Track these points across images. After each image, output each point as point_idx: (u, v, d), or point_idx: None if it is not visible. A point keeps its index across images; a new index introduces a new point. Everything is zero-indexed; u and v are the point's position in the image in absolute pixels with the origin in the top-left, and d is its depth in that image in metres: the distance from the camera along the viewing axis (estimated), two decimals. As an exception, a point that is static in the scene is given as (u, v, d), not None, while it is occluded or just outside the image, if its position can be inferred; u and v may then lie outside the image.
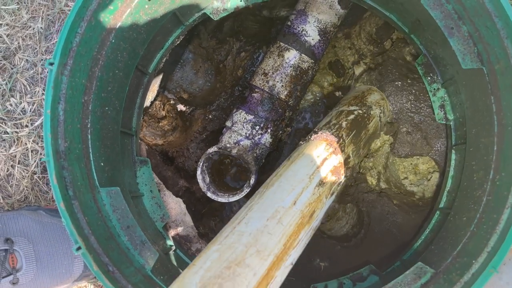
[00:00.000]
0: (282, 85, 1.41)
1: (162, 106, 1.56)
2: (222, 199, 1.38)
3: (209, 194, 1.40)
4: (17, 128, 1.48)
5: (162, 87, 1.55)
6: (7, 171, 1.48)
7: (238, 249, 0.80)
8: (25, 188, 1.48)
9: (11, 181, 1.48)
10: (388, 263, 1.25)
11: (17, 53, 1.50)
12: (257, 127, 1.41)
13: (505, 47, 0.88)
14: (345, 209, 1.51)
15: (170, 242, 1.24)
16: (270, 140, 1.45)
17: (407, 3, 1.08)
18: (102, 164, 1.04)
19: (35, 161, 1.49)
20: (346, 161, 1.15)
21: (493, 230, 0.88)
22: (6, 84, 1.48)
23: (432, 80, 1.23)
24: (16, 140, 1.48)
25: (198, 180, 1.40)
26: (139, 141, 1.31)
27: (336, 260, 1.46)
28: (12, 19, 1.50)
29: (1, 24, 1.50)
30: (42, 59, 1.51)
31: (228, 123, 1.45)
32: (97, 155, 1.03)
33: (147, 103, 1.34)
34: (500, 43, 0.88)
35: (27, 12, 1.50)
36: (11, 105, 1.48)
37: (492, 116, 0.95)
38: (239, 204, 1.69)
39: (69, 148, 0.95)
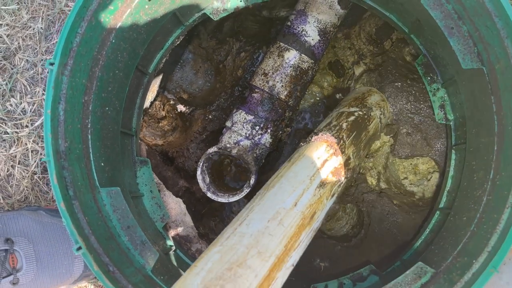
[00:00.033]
0: (282, 85, 1.41)
1: (162, 107, 1.56)
2: (222, 199, 1.38)
3: (209, 194, 1.40)
4: (17, 128, 1.48)
5: (162, 88, 1.55)
6: (7, 171, 1.48)
7: (240, 251, 0.80)
8: (25, 188, 1.48)
9: (11, 181, 1.48)
10: (388, 263, 1.25)
11: (17, 53, 1.50)
12: (257, 127, 1.41)
13: (505, 47, 0.88)
14: (345, 209, 1.51)
15: (170, 242, 1.24)
16: (270, 140, 1.45)
17: (407, 3, 1.08)
18: (102, 164, 1.04)
19: (35, 161, 1.49)
20: (346, 163, 1.15)
21: (494, 230, 0.88)
22: (6, 84, 1.48)
23: (432, 80, 1.23)
24: (16, 140, 1.48)
25: (198, 180, 1.40)
26: (139, 141, 1.31)
27: (336, 260, 1.47)
28: (12, 19, 1.50)
29: (1, 24, 1.50)
30: (42, 59, 1.51)
31: (228, 123, 1.45)
32: (97, 155, 1.03)
33: (147, 103, 1.34)
34: (500, 43, 0.89)
35: (27, 12, 1.50)
36: (11, 105, 1.48)
37: (492, 116, 0.95)
38: (239, 204, 1.69)
39: (70, 148, 0.95)
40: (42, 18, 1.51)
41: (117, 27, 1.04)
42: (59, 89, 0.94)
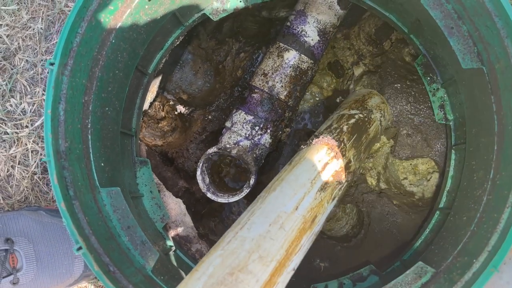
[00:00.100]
0: (282, 86, 1.41)
1: (161, 107, 1.56)
2: (222, 199, 1.38)
3: (209, 195, 1.40)
4: (17, 128, 1.48)
5: (162, 88, 1.55)
6: (7, 172, 1.48)
7: (241, 255, 0.80)
8: (25, 189, 1.48)
9: (11, 182, 1.48)
10: (388, 263, 1.25)
11: (17, 53, 1.50)
12: (257, 127, 1.41)
13: (505, 47, 0.88)
14: (345, 210, 1.51)
15: (170, 243, 1.24)
16: (270, 140, 1.45)
17: (407, 3, 1.08)
18: (102, 164, 1.04)
19: (35, 161, 1.49)
20: (347, 166, 1.15)
21: (494, 230, 0.88)
22: (6, 84, 1.48)
23: (431, 80, 1.23)
24: (16, 141, 1.48)
25: (198, 181, 1.40)
26: (139, 141, 1.31)
27: (336, 261, 1.47)
28: (12, 19, 1.50)
29: (1, 24, 1.50)
30: (42, 60, 1.51)
31: (228, 124, 1.45)
32: (98, 155, 1.03)
33: (146, 104, 1.34)
34: (500, 43, 0.89)
35: (27, 13, 1.50)
36: (11, 105, 1.48)
37: (492, 116, 0.95)
38: (239, 204, 1.69)
39: (70, 148, 0.95)
40: (42, 19, 1.51)
41: (117, 27, 1.04)
42: (59, 89, 0.94)
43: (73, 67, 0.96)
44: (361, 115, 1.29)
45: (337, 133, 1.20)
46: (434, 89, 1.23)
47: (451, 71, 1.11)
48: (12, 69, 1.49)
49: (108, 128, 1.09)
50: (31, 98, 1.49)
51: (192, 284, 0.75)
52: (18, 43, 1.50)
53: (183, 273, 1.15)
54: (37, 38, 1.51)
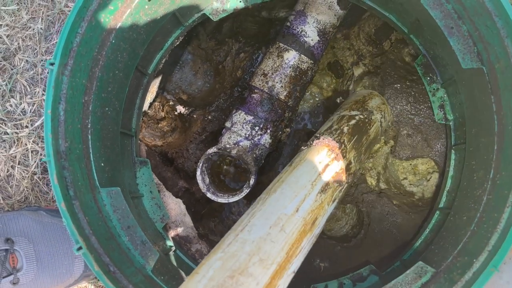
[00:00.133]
0: (282, 86, 1.41)
1: (161, 107, 1.56)
2: (222, 199, 1.38)
3: (208, 195, 1.40)
4: (17, 128, 1.48)
5: (161, 88, 1.55)
6: (7, 172, 1.48)
7: (241, 258, 0.80)
8: (25, 189, 1.48)
9: (11, 182, 1.48)
10: (388, 263, 1.25)
11: (17, 53, 1.50)
12: (257, 127, 1.41)
13: (505, 46, 0.88)
14: (344, 210, 1.51)
15: (170, 243, 1.24)
16: (270, 140, 1.45)
17: (407, 3, 1.08)
18: (102, 164, 1.04)
19: (35, 161, 1.49)
20: (347, 167, 1.15)
21: (494, 229, 0.88)
22: (6, 85, 1.48)
23: (431, 81, 1.23)
24: (16, 141, 1.48)
25: (198, 181, 1.40)
26: (139, 142, 1.31)
27: (336, 261, 1.47)
28: (12, 19, 1.50)
29: (1, 25, 1.50)
30: (42, 60, 1.51)
31: (228, 124, 1.45)
32: (98, 155, 1.03)
33: (146, 105, 1.34)
34: (500, 42, 0.89)
35: (27, 13, 1.50)
36: (11, 105, 1.48)
37: (492, 116, 0.95)
38: (239, 205, 1.69)
39: (70, 148, 0.95)
40: (42, 19, 1.51)
41: (117, 27, 1.04)
42: (59, 89, 0.94)
43: (73, 67, 0.96)
44: (361, 116, 1.29)
45: (337, 134, 1.19)
46: (434, 89, 1.23)
47: (451, 71, 1.11)
48: (12, 69, 1.49)
49: (108, 128, 1.09)
50: (31, 98, 1.49)
51: (192, 287, 0.75)
52: (18, 43, 1.50)
53: (183, 273, 1.15)
54: (37, 38, 1.51)
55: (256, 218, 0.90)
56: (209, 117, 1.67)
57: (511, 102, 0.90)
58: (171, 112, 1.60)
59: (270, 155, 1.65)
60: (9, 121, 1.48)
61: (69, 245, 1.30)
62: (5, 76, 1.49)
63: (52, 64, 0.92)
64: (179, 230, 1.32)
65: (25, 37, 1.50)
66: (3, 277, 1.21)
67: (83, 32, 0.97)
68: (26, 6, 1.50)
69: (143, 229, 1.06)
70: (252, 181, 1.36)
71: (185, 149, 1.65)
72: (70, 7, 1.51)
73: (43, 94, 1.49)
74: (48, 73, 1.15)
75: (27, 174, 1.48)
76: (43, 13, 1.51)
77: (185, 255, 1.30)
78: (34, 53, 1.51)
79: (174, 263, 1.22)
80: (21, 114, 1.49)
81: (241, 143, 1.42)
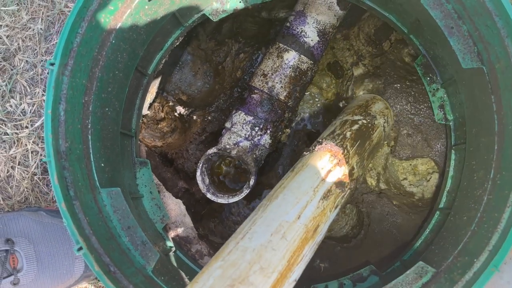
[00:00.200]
0: (281, 86, 1.41)
1: (161, 108, 1.56)
2: (222, 200, 1.39)
3: (208, 195, 1.40)
4: (17, 129, 1.48)
5: (161, 89, 1.55)
6: (7, 172, 1.47)
7: (242, 266, 0.79)
8: (25, 189, 1.48)
9: (11, 182, 1.48)
10: (388, 264, 1.25)
11: (17, 54, 1.50)
12: (257, 128, 1.41)
13: (505, 46, 0.88)
14: (344, 210, 1.51)
15: (170, 243, 1.24)
16: (270, 141, 1.45)
17: (407, 3, 1.08)
18: (102, 165, 1.04)
19: (35, 162, 1.49)
20: (350, 173, 1.14)
21: (495, 229, 0.88)
22: (6, 85, 1.48)
23: (431, 81, 1.23)
24: (16, 141, 1.48)
25: (198, 181, 1.40)
26: (139, 142, 1.31)
27: (336, 261, 1.47)
28: (12, 20, 1.50)
29: (1, 25, 1.49)
30: (42, 60, 1.51)
31: (228, 124, 1.45)
32: (98, 155, 1.03)
33: (146, 104, 1.34)
34: (500, 42, 0.89)
35: (26, 13, 1.50)
36: (11, 106, 1.48)
37: (493, 115, 0.95)
38: (238, 205, 1.69)
39: (70, 149, 0.95)
40: (42, 19, 1.51)
41: (117, 27, 1.04)
42: (59, 89, 0.93)
43: (73, 67, 0.96)
44: (364, 121, 1.28)
45: (340, 139, 1.19)
46: (434, 89, 1.23)
47: (451, 71, 1.11)
48: (12, 69, 1.49)
49: (108, 128, 1.09)
50: (31, 99, 1.49)
51: (193, 296, 0.74)
52: (18, 44, 1.50)
53: (183, 274, 1.15)
54: (37, 38, 1.51)
55: (257, 225, 0.89)
56: (209, 118, 1.67)
57: (511, 102, 0.90)
58: (171, 113, 1.60)
59: (270, 156, 1.66)
60: (9, 122, 1.48)
61: (69, 245, 1.30)
62: (5, 76, 1.49)
63: (52, 64, 0.92)
64: (179, 230, 1.32)
65: (25, 37, 1.50)
66: (4, 278, 1.21)
67: (83, 32, 0.97)
68: (26, 6, 1.50)
69: (143, 230, 1.06)
70: (252, 182, 1.36)
71: (185, 149, 1.65)
72: (70, 8, 1.51)
73: (43, 94, 1.49)
74: (48, 73, 1.15)
75: (27, 174, 1.48)
76: (43, 14, 1.51)
77: (185, 255, 1.30)
78: (34, 54, 1.50)
79: (174, 263, 1.22)
80: (21, 114, 1.49)
81: (241, 144, 1.42)
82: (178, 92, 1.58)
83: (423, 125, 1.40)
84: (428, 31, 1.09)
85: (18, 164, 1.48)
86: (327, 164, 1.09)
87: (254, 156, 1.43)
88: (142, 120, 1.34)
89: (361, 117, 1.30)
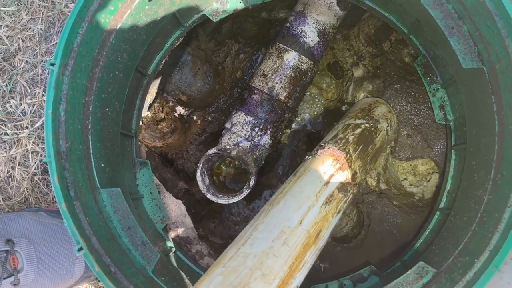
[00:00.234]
0: (282, 87, 1.41)
1: (161, 109, 1.56)
2: (222, 200, 1.39)
3: (209, 196, 1.40)
4: (17, 129, 1.48)
5: (161, 89, 1.55)
6: (7, 173, 1.47)
7: (243, 273, 0.79)
8: (26, 190, 1.48)
9: (12, 183, 1.48)
10: (388, 264, 1.25)
11: (17, 54, 1.50)
12: (257, 128, 1.41)
13: (506, 46, 0.88)
14: (345, 210, 1.51)
15: (170, 244, 1.24)
16: (270, 141, 1.45)
17: (407, 3, 1.08)
18: (102, 165, 1.04)
19: (35, 162, 1.49)
20: (353, 178, 1.13)
21: (495, 229, 0.88)
22: (6, 85, 1.48)
23: (431, 81, 1.23)
24: (16, 142, 1.48)
25: (198, 182, 1.40)
26: (139, 143, 1.31)
27: (336, 261, 1.46)
28: (12, 20, 1.50)
29: (1, 25, 1.49)
30: (42, 61, 1.50)
31: (228, 125, 1.45)
32: (98, 156, 1.03)
33: (146, 106, 1.34)
34: (501, 42, 0.89)
35: (27, 14, 1.50)
36: (11, 106, 1.48)
37: (493, 116, 0.95)
38: (238, 206, 1.69)
39: (70, 149, 0.95)
40: (42, 20, 1.51)
41: (117, 28, 1.04)
42: (59, 89, 0.93)
43: (74, 67, 0.96)
44: (367, 125, 1.28)
45: (342, 144, 1.18)
46: (434, 89, 1.23)
47: (451, 71, 1.11)
48: (12, 70, 1.49)
49: (108, 129, 1.09)
50: (31, 99, 1.49)
51: (193, 303, 0.74)
52: (18, 44, 1.50)
53: (183, 274, 1.15)
54: (37, 39, 1.51)
55: (258, 231, 0.89)
56: (209, 118, 1.67)
57: (511, 102, 0.90)
58: (171, 113, 1.60)
59: (269, 156, 1.65)
60: (9, 122, 1.47)
61: (69, 246, 1.30)
62: (5, 77, 1.49)
63: (52, 64, 0.92)
64: (179, 231, 1.32)
65: (25, 38, 1.50)
66: (4, 278, 1.21)
67: (83, 33, 0.97)
68: (26, 7, 1.50)
69: (144, 230, 1.06)
70: (252, 182, 1.36)
71: (185, 150, 1.65)
72: (70, 8, 1.51)
73: (43, 95, 1.49)
74: (48, 73, 1.15)
75: (27, 175, 1.48)
76: (43, 14, 1.51)
77: (185, 256, 1.30)
78: (34, 54, 1.50)
79: (175, 264, 1.22)
80: (21, 115, 1.49)
81: (241, 144, 1.42)
82: (178, 93, 1.58)
83: (423, 126, 1.40)
84: (428, 31, 1.09)
85: (18, 165, 1.48)
86: (330, 168, 1.09)
87: (254, 156, 1.43)
88: (142, 120, 1.34)
89: (364, 121, 1.29)
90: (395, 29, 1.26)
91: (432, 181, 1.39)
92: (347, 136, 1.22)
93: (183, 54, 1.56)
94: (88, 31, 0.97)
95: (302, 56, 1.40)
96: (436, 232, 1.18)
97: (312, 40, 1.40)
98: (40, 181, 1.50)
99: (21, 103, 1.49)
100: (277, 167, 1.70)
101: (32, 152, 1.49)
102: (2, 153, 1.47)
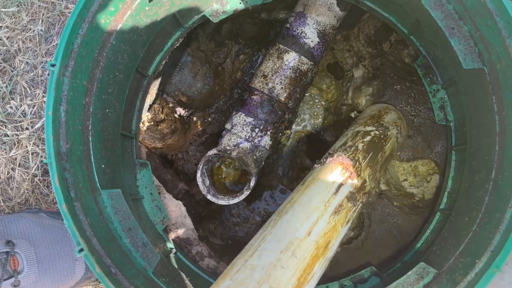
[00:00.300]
0: (282, 87, 1.41)
1: (161, 110, 1.56)
2: (223, 201, 1.38)
3: (209, 197, 1.40)
4: (18, 130, 1.48)
5: (161, 90, 1.55)
6: (7, 174, 1.47)
7: (250, 286, 0.78)
8: (26, 191, 1.48)
9: (12, 184, 1.48)
10: (389, 265, 1.25)
11: (17, 55, 1.49)
12: (257, 129, 1.41)
13: (506, 46, 0.88)
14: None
15: (170, 245, 1.24)
16: (270, 142, 1.45)
17: (407, 4, 1.08)
18: (103, 166, 1.04)
19: (35, 163, 1.49)
20: (362, 186, 1.12)
21: (496, 230, 0.88)
22: (6, 86, 1.48)
23: (431, 81, 1.23)
24: (16, 143, 1.48)
25: (198, 183, 1.40)
26: (139, 144, 1.31)
27: (336, 262, 1.46)
28: (12, 21, 1.50)
29: (1, 26, 1.49)
30: (42, 62, 1.50)
31: (228, 126, 1.45)
32: (98, 157, 1.03)
33: (146, 107, 1.34)
34: (501, 42, 0.89)
35: (27, 15, 1.50)
36: (11, 107, 1.48)
37: (494, 116, 0.95)
38: (238, 207, 1.69)
39: (71, 150, 0.95)
40: (42, 20, 1.50)
41: (118, 28, 1.04)
42: (60, 90, 0.93)
43: (74, 68, 0.95)
44: (377, 132, 1.27)
45: (352, 152, 1.17)
46: (434, 90, 1.23)
47: (452, 72, 1.11)
48: (12, 71, 1.49)
49: (109, 130, 1.09)
50: (31, 100, 1.49)
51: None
52: (18, 45, 1.50)
53: (183, 275, 1.15)
54: (37, 40, 1.50)
55: (266, 242, 0.88)
56: (209, 119, 1.67)
57: (512, 102, 0.90)
58: (171, 114, 1.60)
59: (269, 157, 1.66)
60: (9, 123, 1.47)
61: (70, 247, 1.29)
62: (5, 78, 1.48)
63: (53, 65, 0.92)
64: (180, 232, 1.32)
65: (25, 39, 1.50)
66: (4, 280, 1.21)
67: (84, 33, 0.96)
68: (26, 8, 1.50)
69: (144, 231, 1.06)
70: (252, 183, 1.36)
71: (185, 151, 1.65)
72: (70, 9, 1.51)
73: (43, 96, 1.49)
74: (48, 74, 1.14)
75: (27, 176, 1.48)
76: (43, 15, 1.51)
77: (185, 257, 1.30)
78: (34, 55, 1.50)
79: (175, 265, 1.22)
80: (22, 116, 1.49)
81: (241, 145, 1.42)
82: (178, 94, 1.58)
83: (423, 126, 1.40)
84: (429, 31, 1.09)
85: (19, 166, 1.48)
86: (339, 177, 1.08)
87: (255, 157, 1.43)
88: (141, 121, 1.34)
89: (374, 128, 1.28)
90: (395, 30, 1.26)
91: (433, 182, 1.39)
92: (356, 144, 1.21)
93: (183, 55, 1.56)
94: (89, 32, 0.97)
95: (302, 57, 1.40)
96: (437, 233, 1.18)
97: (312, 41, 1.40)
98: (41, 182, 1.50)
99: (21, 104, 1.49)
100: (277, 168, 1.70)
101: (32, 153, 1.49)
102: (2, 154, 1.47)
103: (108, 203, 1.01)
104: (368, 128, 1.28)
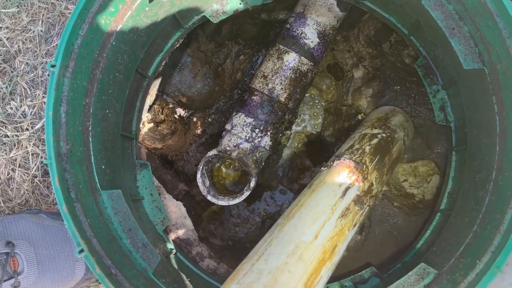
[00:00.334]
0: (282, 88, 1.41)
1: (161, 110, 1.56)
2: (223, 202, 1.38)
3: (209, 198, 1.39)
4: (18, 131, 1.48)
5: (161, 91, 1.55)
6: (7, 175, 1.47)
7: None
8: (26, 192, 1.48)
9: (12, 185, 1.48)
10: (389, 265, 1.25)
11: (17, 56, 1.49)
12: (257, 130, 1.41)
13: (507, 47, 0.88)
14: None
15: (170, 246, 1.24)
16: (270, 143, 1.45)
17: (407, 4, 1.08)
18: (103, 167, 1.04)
19: (35, 164, 1.49)
20: (369, 189, 1.12)
21: (497, 230, 0.88)
22: (7, 87, 1.48)
23: (432, 82, 1.23)
24: (16, 144, 1.48)
25: (198, 184, 1.40)
26: (139, 144, 1.31)
27: (336, 263, 1.47)
28: (12, 22, 1.50)
29: (1, 27, 1.49)
30: (42, 62, 1.50)
31: (228, 126, 1.45)
32: (98, 157, 1.03)
33: (146, 107, 1.34)
34: (502, 43, 0.88)
35: (27, 15, 1.50)
36: (11, 108, 1.48)
37: (494, 116, 0.95)
38: (238, 207, 1.69)
39: (71, 151, 0.95)
40: (42, 21, 1.50)
41: (118, 29, 1.04)
42: (60, 91, 0.93)
43: (74, 69, 0.95)
44: (384, 135, 1.27)
45: (359, 154, 1.17)
46: (434, 90, 1.23)
47: (452, 72, 1.11)
48: (12, 71, 1.49)
49: (109, 130, 1.09)
50: (31, 101, 1.49)
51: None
52: (18, 46, 1.50)
53: (184, 276, 1.15)
54: (37, 40, 1.50)
55: (273, 246, 0.88)
56: (209, 120, 1.67)
57: (513, 103, 0.90)
58: (171, 115, 1.60)
59: (269, 158, 1.66)
60: (9, 124, 1.47)
61: (70, 248, 1.29)
62: (5, 78, 1.48)
63: (53, 66, 0.92)
64: (180, 233, 1.32)
65: (25, 39, 1.50)
66: (4, 281, 1.21)
67: (84, 34, 0.96)
68: (26, 8, 1.50)
69: (144, 232, 1.05)
70: (252, 184, 1.36)
71: (185, 151, 1.65)
72: (70, 10, 1.51)
73: (43, 96, 1.49)
74: (48, 75, 1.14)
75: (27, 177, 1.48)
76: (43, 16, 1.50)
77: (185, 258, 1.30)
78: (35, 56, 1.50)
79: (175, 265, 1.22)
80: (22, 116, 1.48)
81: (241, 146, 1.41)
82: (178, 94, 1.58)
83: (423, 127, 1.40)
84: (429, 32, 1.09)
85: (19, 167, 1.48)
86: (346, 180, 1.07)
87: (255, 158, 1.43)
88: (142, 122, 1.34)
89: (381, 131, 1.28)
90: (395, 30, 1.26)
91: (433, 182, 1.39)
92: (363, 147, 1.21)
93: (183, 56, 1.56)
94: (89, 32, 0.97)
95: (302, 58, 1.40)
96: (437, 233, 1.18)
97: (312, 42, 1.40)
98: (41, 183, 1.50)
99: (21, 105, 1.48)
100: (277, 168, 1.70)
101: (32, 154, 1.48)
102: (2, 155, 1.46)
103: (108, 204, 1.01)
104: (375, 131, 1.28)
